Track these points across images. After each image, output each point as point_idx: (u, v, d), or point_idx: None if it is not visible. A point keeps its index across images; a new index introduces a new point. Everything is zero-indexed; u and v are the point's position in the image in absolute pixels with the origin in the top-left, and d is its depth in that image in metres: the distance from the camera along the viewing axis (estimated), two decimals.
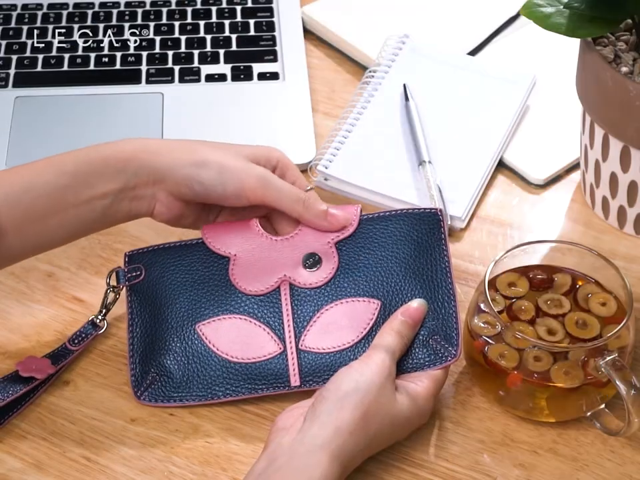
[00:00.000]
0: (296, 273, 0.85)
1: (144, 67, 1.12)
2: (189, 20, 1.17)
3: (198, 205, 0.85)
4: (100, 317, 0.86)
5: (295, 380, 0.82)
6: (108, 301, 0.87)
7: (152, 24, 1.16)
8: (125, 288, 0.86)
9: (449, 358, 0.81)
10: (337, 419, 0.74)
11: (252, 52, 1.13)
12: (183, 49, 1.14)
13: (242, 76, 1.11)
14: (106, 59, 1.12)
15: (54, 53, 1.13)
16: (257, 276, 0.85)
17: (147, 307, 0.86)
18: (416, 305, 0.82)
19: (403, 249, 0.84)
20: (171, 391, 0.83)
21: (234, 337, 0.83)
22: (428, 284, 0.83)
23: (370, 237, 0.85)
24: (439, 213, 0.85)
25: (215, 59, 1.12)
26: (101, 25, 1.16)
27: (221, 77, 1.11)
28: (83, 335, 0.86)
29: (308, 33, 1.17)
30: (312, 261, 0.85)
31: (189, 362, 0.83)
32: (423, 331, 0.82)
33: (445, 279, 0.83)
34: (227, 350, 0.83)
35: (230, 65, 1.12)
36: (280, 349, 0.83)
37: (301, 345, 0.83)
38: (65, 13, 1.18)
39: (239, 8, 1.18)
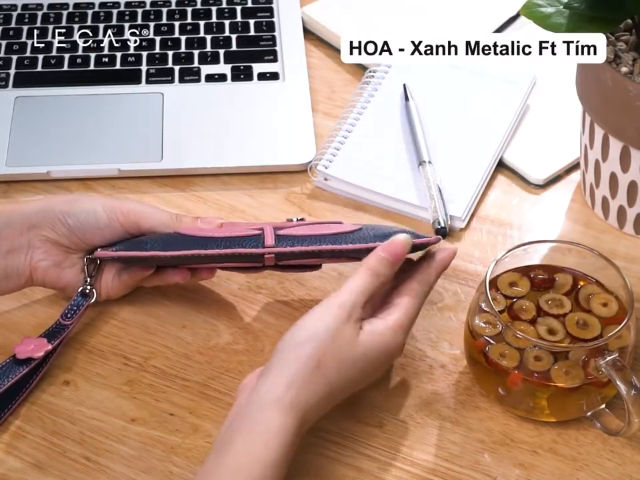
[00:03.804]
0: (279, 224, 0.86)
1: (144, 67, 1.11)
2: (189, 20, 1.17)
3: (79, 255, 0.86)
4: (88, 287, 0.86)
5: (269, 240, 0.82)
6: (90, 270, 0.86)
7: (152, 24, 1.16)
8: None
9: (430, 237, 0.84)
10: (289, 372, 0.73)
11: (252, 52, 1.13)
12: (183, 49, 1.14)
13: (242, 76, 1.11)
14: (106, 59, 1.12)
15: (54, 53, 1.13)
16: (239, 230, 0.86)
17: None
18: (399, 239, 0.81)
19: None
20: (139, 249, 0.83)
21: (215, 230, 0.84)
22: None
23: None
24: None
25: (214, 59, 1.12)
26: (101, 25, 1.16)
27: (221, 77, 1.11)
28: (75, 308, 0.86)
29: (308, 33, 1.17)
30: (294, 218, 0.88)
31: (164, 240, 0.84)
32: (403, 230, 0.84)
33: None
34: (209, 234, 0.84)
35: (230, 65, 1.12)
36: (259, 232, 0.83)
37: (279, 232, 0.84)
38: (65, 13, 1.18)
39: (238, 8, 1.18)
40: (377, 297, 0.80)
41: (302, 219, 0.88)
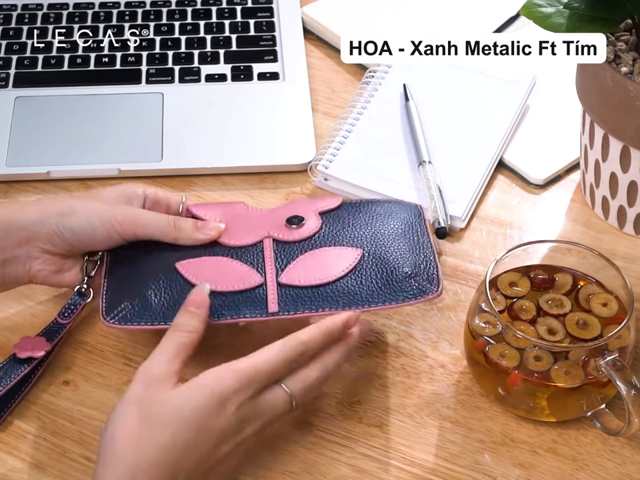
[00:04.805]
0: (279, 231, 0.86)
1: (144, 67, 1.12)
2: (189, 20, 1.17)
3: (77, 256, 0.86)
4: (85, 286, 0.86)
5: (272, 307, 0.81)
6: (89, 270, 0.86)
7: (152, 24, 1.16)
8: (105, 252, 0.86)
9: (430, 293, 0.82)
10: (105, 457, 0.71)
11: (252, 52, 1.13)
12: (183, 49, 1.14)
13: (242, 76, 1.11)
14: (106, 59, 1.12)
15: (54, 53, 1.13)
16: (240, 233, 0.86)
17: (126, 255, 0.85)
18: (196, 288, 0.80)
19: (384, 216, 0.88)
20: (145, 316, 0.81)
21: (215, 272, 0.83)
22: (407, 237, 0.86)
23: (353, 211, 0.89)
24: (419, 207, 0.91)
25: (214, 59, 1.12)
26: (101, 25, 1.16)
27: (221, 77, 1.11)
28: (72, 307, 0.86)
29: (308, 33, 1.17)
30: (296, 220, 0.87)
31: (167, 291, 0.82)
32: (404, 274, 0.83)
33: (422, 234, 0.87)
34: (206, 281, 0.82)
35: (230, 65, 1.12)
36: (260, 281, 0.82)
37: (281, 279, 0.83)
38: (65, 13, 1.18)
39: (238, 8, 1.18)
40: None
41: (302, 220, 0.87)
